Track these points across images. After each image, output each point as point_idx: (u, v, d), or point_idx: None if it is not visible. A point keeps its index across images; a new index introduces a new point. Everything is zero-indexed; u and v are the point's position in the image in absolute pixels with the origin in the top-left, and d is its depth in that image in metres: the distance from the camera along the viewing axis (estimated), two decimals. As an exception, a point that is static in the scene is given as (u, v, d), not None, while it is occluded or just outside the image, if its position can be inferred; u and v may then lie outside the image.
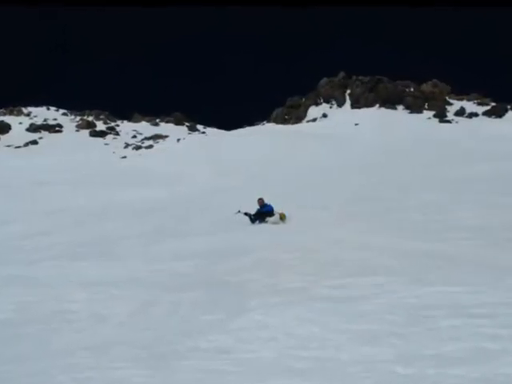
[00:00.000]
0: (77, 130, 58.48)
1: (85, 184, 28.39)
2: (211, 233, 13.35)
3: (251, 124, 53.13)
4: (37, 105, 66.67)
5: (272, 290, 7.37)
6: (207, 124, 61.75)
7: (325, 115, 49.02)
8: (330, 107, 50.69)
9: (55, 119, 61.72)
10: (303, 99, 53.69)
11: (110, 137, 55.68)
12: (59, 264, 10.82)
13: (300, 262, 9.02)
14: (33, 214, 19.75)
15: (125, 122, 63.50)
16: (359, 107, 48.75)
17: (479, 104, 46.46)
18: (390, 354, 4.72)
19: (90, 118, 62.39)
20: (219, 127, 58.31)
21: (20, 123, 59.14)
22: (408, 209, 13.96)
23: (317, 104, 51.68)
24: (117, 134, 57.17)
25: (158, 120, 63.69)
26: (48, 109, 66.73)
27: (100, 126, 59.81)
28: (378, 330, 5.31)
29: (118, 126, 60.82)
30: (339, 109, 50.06)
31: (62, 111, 66.54)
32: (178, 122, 61.99)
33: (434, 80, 51.02)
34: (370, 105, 48.55)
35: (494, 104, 45.84)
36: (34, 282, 8.95)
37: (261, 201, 14.95)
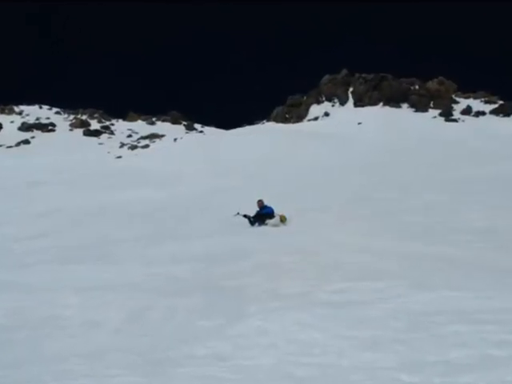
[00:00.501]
0: (70, 129, 57.74)
1: (80, 184, 28.10)
2: (210, 235, 13.21)
3: (251, 123, 52.84)
4: (29, 103, 65.93)
5: (272, 295, 7.26)
6: (205, 123, 61.48)
7: (327, 114, 48.42)
8: (332, 105, 50.05)
9: (48, 118, 60.92)
10: (304, 97, 53.16)
11: (104, 136, 54.83)
12: (53, 268, 10.66)
13: (300, 265, 8.91)
14: (27, 216, 19.51)
15: (120, 120, 62.86)
16: (362, 105, 48.07)
17: (486, 102, 45.69)
18: (393, 360, 4.64)
19: (84, 117, 61.67)
20: (218, 126, 57.91)
21: (12, 122, 58.34)
22: (409, 210, 13.85)
23: (318, 102, 51.07)
24: (112, 133, 56.53)
25: (154, 119, 63.13)
26: (40, 107, 65.98)
27: (94, 125, 58.89)
28: (380, 336, 5.22)
29: (112, 125, 60.14)
30: (342, 107, 49.43)
31: (54, 110, 65.74)
32: (175, 121, 61.52)
33: (440, 77, 50.11)
34: (373, 103, 47.82)
35: (501, 102, 44.82)
36: (26, 287, 8.78)
37: (260, 202, 14.71)
